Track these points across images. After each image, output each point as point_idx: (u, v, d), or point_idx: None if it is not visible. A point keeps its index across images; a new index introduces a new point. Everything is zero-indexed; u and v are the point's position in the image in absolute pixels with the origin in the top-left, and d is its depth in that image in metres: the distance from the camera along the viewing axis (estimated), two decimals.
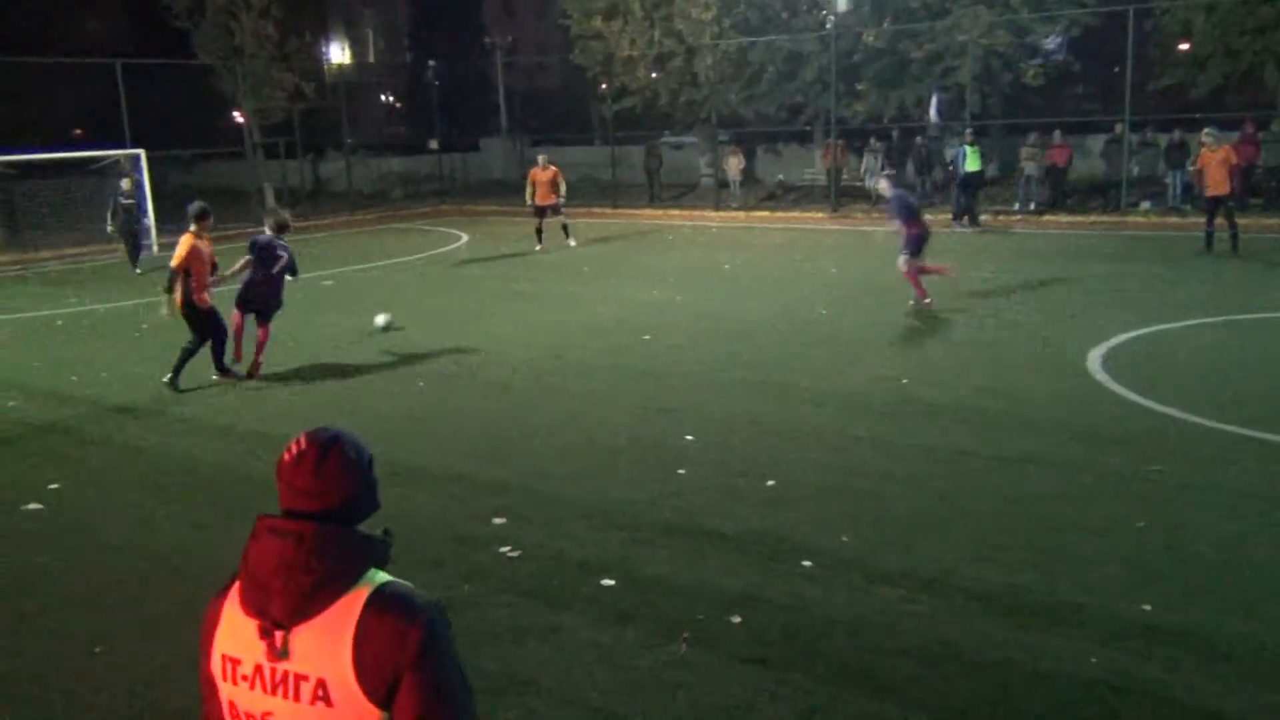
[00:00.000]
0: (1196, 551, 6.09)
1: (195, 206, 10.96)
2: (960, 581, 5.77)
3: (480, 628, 5.37)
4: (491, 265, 20.13)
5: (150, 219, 24.54)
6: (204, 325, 10.91)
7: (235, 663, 2.15)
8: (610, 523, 6.84)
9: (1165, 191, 25.13)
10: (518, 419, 9.39)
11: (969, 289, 15.30)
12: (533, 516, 6.99)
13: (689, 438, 8.60)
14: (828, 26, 28.65)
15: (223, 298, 11.47)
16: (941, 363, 10.84)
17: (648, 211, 30.70)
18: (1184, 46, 26.00)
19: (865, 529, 6.58)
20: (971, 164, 23.38)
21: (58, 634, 5.64)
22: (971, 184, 23.87)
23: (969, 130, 24.18)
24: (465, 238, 25.63)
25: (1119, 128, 25.49)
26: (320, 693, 2.07)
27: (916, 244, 13.68)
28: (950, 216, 24.47)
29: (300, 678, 2.08)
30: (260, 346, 11.57)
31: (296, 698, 2.09)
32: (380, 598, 2.10)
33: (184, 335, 11.01)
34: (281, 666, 2.10)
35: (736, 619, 5.42)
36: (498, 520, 6.93)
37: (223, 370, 11.17)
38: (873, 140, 29.61)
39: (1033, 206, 25.89)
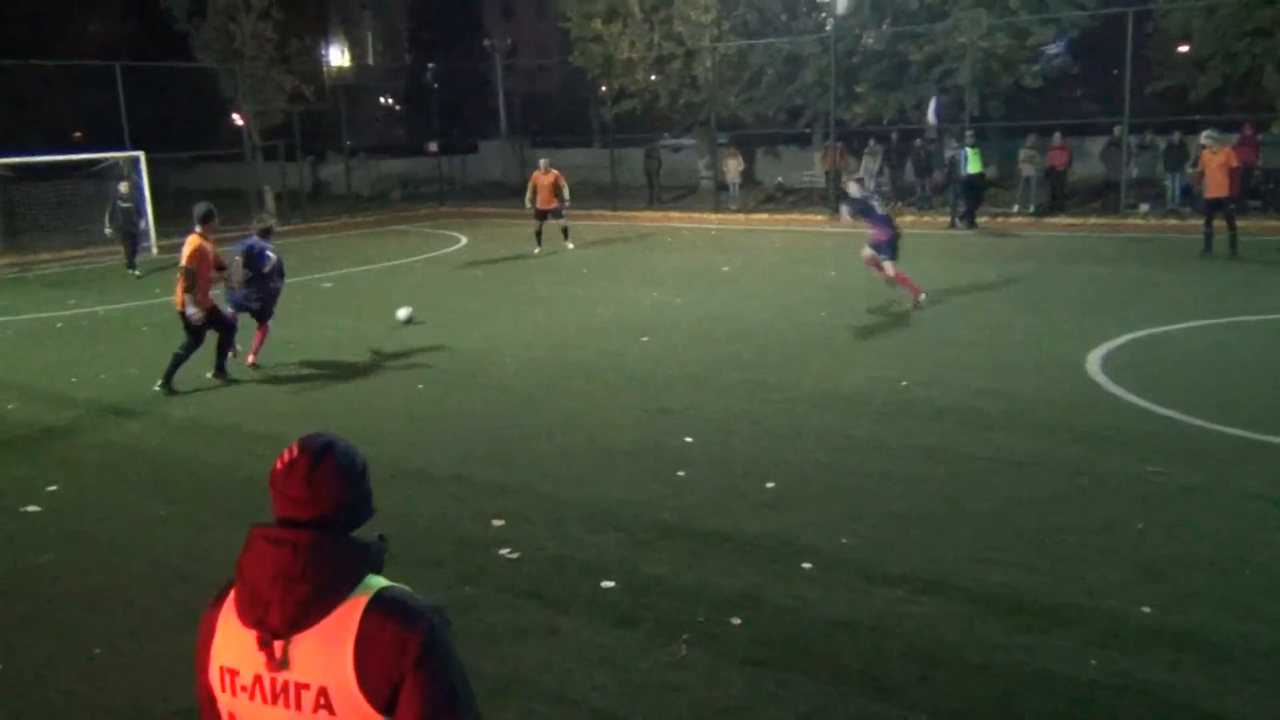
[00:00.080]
0: (1197, 553, 6.09)
1: (201, 208, 10.96)
2: (961, 582, 5.77)
3: (480, 629, 5.37)
4: (491, 267, 20.13)
5: (150, 221, 24.54)
6: (201, 328, 10.90)
7: (234, 674, 2.14)
8: (610, 524, 6.84)
9: (1164, 194, 25.14)
10: (517, 420, 9.39)
11: (969, 291, 15.31)
12: (533, 518, 6.99)
13: (689, 439, 8.59)
14: (827, 29, 28.66)
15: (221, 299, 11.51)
16: (941, 364, 10.84)
17: (647, 214, 30.70)
18: (1183, 49, 26.01)
19: (865, 530, 6.58)
20: (973, 166, 23.37)
21: (58, 635, 5.64)
22: (973, 186, 23.88)
23: (970, 132, 24.18)
24: (464, 240, 25.64)
25: (1118, 130, 25.50)
26: (322, 701, 2.07)
27: (892, 245, 14.02)
28: (949, 219, 24.50)
29: (301, 687, 2.08)
30: (258, 342, 11.73)
31: (298, 707, 2.08)
32: (379, 603, 2.09)
33: (183, 339, 10.98)
34: (282, 676, 2.09)
35: (737, 620, 5.42)
36: (497, 522, 6.93)
37: (221, 371, 11.16)
38: (872, 142, 29.63)
39: (1032, 209, 25.91)
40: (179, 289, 10.79)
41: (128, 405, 10.47)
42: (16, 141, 26.94)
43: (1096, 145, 27.50)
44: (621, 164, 33.24)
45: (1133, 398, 9.35)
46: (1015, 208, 26.10)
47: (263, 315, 11.68)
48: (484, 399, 10.26)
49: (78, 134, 37.69)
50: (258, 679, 2.11)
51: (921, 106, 27.26)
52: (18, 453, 9.09)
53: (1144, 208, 24.68)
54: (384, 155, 45.56)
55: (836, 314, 13.89)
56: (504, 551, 6.44)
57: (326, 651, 2.06)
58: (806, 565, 6.07)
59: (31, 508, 7.63)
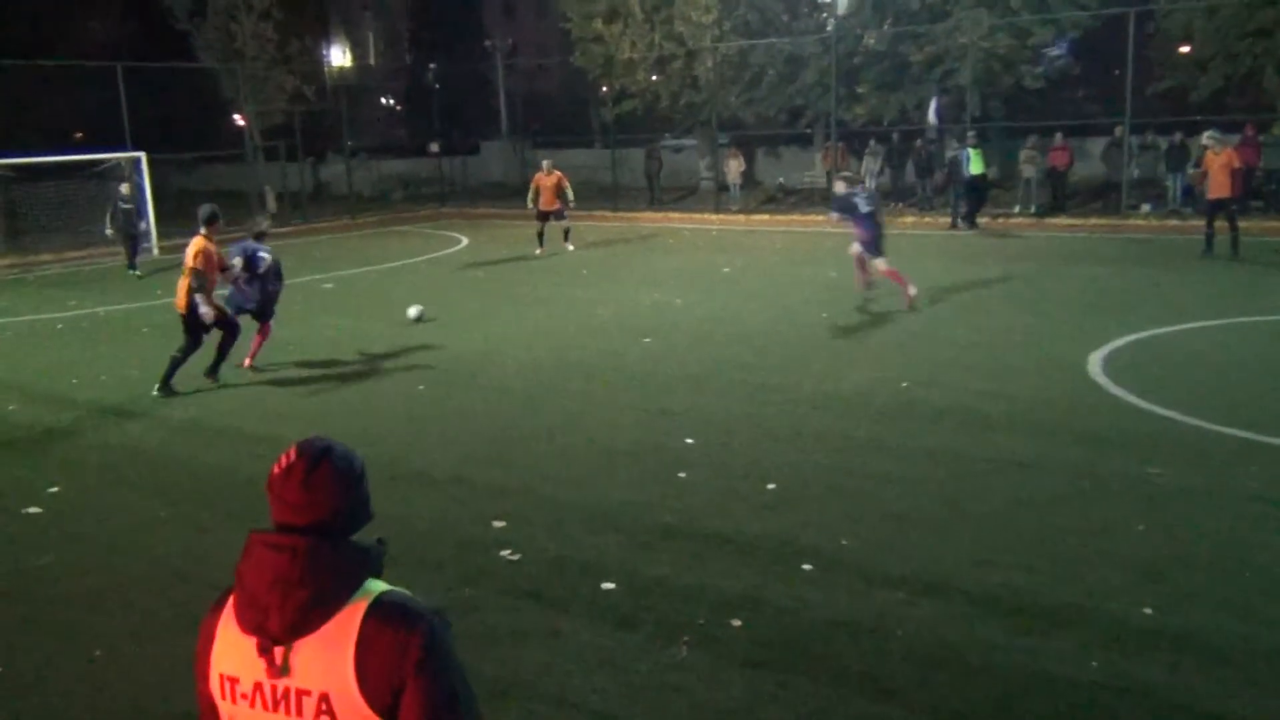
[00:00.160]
0: (1197, 554, 6.09)
1: (205, 210, 10.96)
2: (961, 584, 5.77)
3: (480, 631, 5.37)
4: (491, 268, 20.13)
5: (151, 222, 24.56)
6: (203, 330, 10.90)
7: (234, 681, 2.13)
8: (611, 526, 6.84)
9: (1165, 194, 25.14)
10: (518, 421, 9.39)
11: (970, 291, 15.31)
12: (533, 519, 6.99)
13: (689, 440, 8.59)
14: (828, 29, 28.67)
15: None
16: (942, 365, 10.84)
17: (648, 214, 30.72)
18: (1185, 49, 26.01)
19: (866, 531, 6.58)
20: (975, 167, 23.36)
21: (58, 637, 5.64)
22: (975, 187, 23.85)
23: (972, 133, 24.17)
24: (465, 240, 25.65)
25: (1119, 130, 25.50)
26: (324, 707, 2.07)
27: (875, 244, 14.12)
28: (950, 220, 24.50)
29: (302, 693, 2.07)
30: (257, 344, 11.79)
31: (299, 713, 2.08)
32: (379, 608, 2.09)
33: (182, 339, 10.98)
34: (282, 683, 2.08)
35: (737, 622, 5.41)
36: (498, 523, 6.93)
37: (213, 372, 11.11)
38: (873, 142, 29.63)
39: (1033, 209, 25.91)
40: (180, 291, 10.78)
41: (128, 406, 10.47)
42: (17, 142, 26.94)
43: (1098, 146, 27.50)
44: (622, 164, 33.26)
45: (1133, 399, 9.35)
46: (1016, 208, 26.09)
47: (262, 316, 11.71)
48: (484, 400, 10.26)
49: (79, 134, 37.70)
50: (258, 686, 2.10)
51: (922, 107, 27.29)
52: (18, 454, 9.09)
53: (1145, 208, 24.68)
54: (385, 156, 45.61)
55: (837, 315, 13.88)
56: (504, 553, 6.44)
57: (327, 657, 2.06)
58: (807, 566, 6.07)
59: (32, 509, 7.63)
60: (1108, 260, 18.24)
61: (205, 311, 10.68)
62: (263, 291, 11.52)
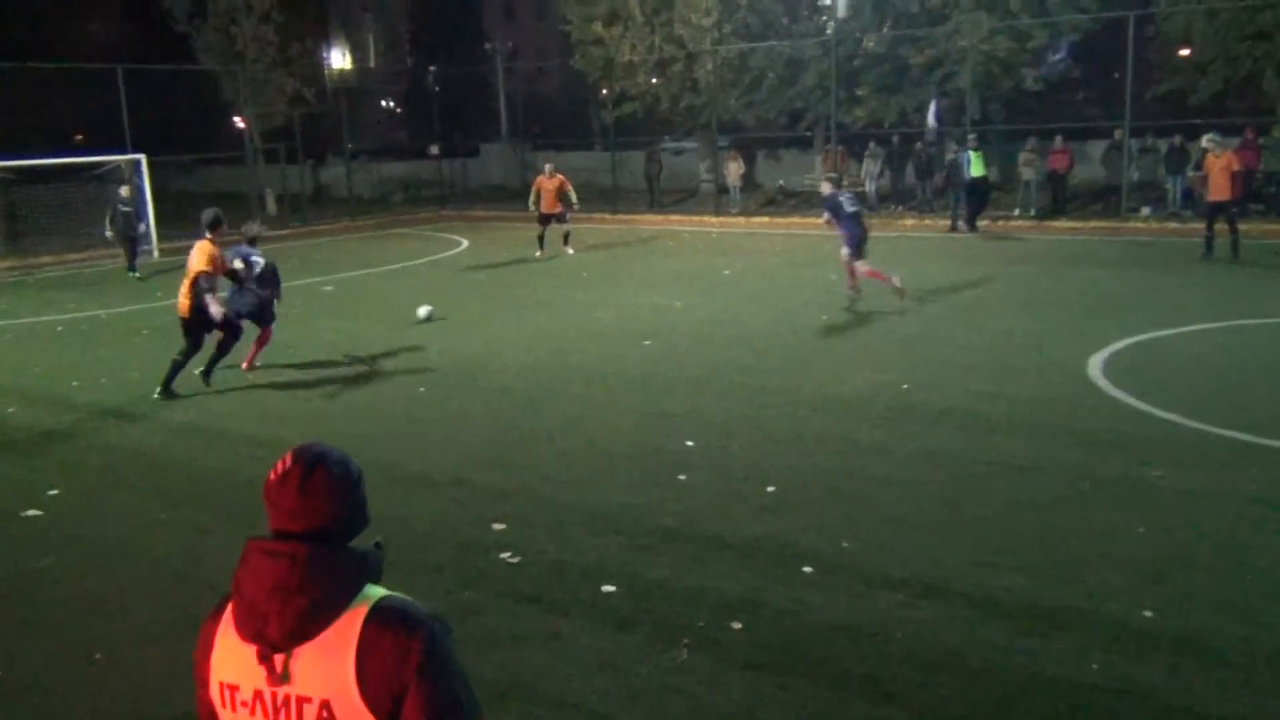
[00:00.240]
0: (1197, 556, 6.08)
1: (209, 215, 10.94)
2: (961, 587, 5.77)
3: (481, 634, 5.37)
4: (491, 270, 20.14)
5: (151, 224, 24.56)
6: (200, 331, 10.90)
7: (234, 689, 2.13)
8: (611, 528, 6.83)
9: (1165, 197, 25.15)
10: (518, 424, 9.39)
11: (970, 294, 15.32)
12: (533, 522, 6.99)
13: (689, 443, 8.59)
14: (828, 32, 28.68)
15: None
16: (942, 368, 10.84)
17: (648, 217, 30.73)
18: (1184, 52, 26.02)
19: (866, 534, 6.58)
20: (976, 169, 23.35)
21: (57, 640, 5.64)
22: (976, 189, 23.84)
23: (973, 136, 24.17)
24: (465, 243, 25.66)
25: (1119, 133, 25.50)
26: (325, 714, 2.06)
27: (857, 244, 14.38)
28: (950, 222, 24.51)
29: (303, 700, 2.07)
30: (256, 348, 11.83)
31: None
32: (379, 613, 2.08)
33: (182, 342, 10.97)
34: (283, 690, 2.08)
35: (737, 625, 5.41)
36: (498, 526, 6.93)
37: (208, 374, 11.08)
38: (872, 145, 29.65)
39: (1033, 212, 25.92)
40: (183, 295, 10.77)
41: (129, 409, 10.47)
42: (17, 144, 26.95)
43: (1097, 149, 27.51)
44: (622, 167, 33.27)
45: (1134, 401, 9.35)
46: (1016, 211, 26.10)
47: (261, 320, 11.73)
48: (485, 402, 10.26)
49: (79, 137, 37.73)
50: (258, 694, 2.10)
51: (922, 110, 27.30)
52: (18, 456, 9.09)
53: (1145, 211, 24.70)
54: (385, 158, 45.64)
55: (837, 318, 13.89)
56: (504, 555, 6.43)
57: (327, 664, 2.05)
58: (807, 569, 6.07)
59: (32, 511, 7.63)
60: (1108, 263, 18.24)
61: (217, 311, 10.72)
62: (258, 295, 11.55)
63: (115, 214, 20.68)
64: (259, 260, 11.54)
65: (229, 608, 2.16)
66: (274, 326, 11.96)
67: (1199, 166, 19.37)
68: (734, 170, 31.12)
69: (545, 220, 21.49)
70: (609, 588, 5.91)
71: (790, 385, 10.39)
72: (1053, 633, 5.22)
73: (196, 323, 10.79)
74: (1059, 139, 25.99)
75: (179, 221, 27.70)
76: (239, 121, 34.03)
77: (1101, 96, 31.40)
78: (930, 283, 16.40)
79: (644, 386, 10.59)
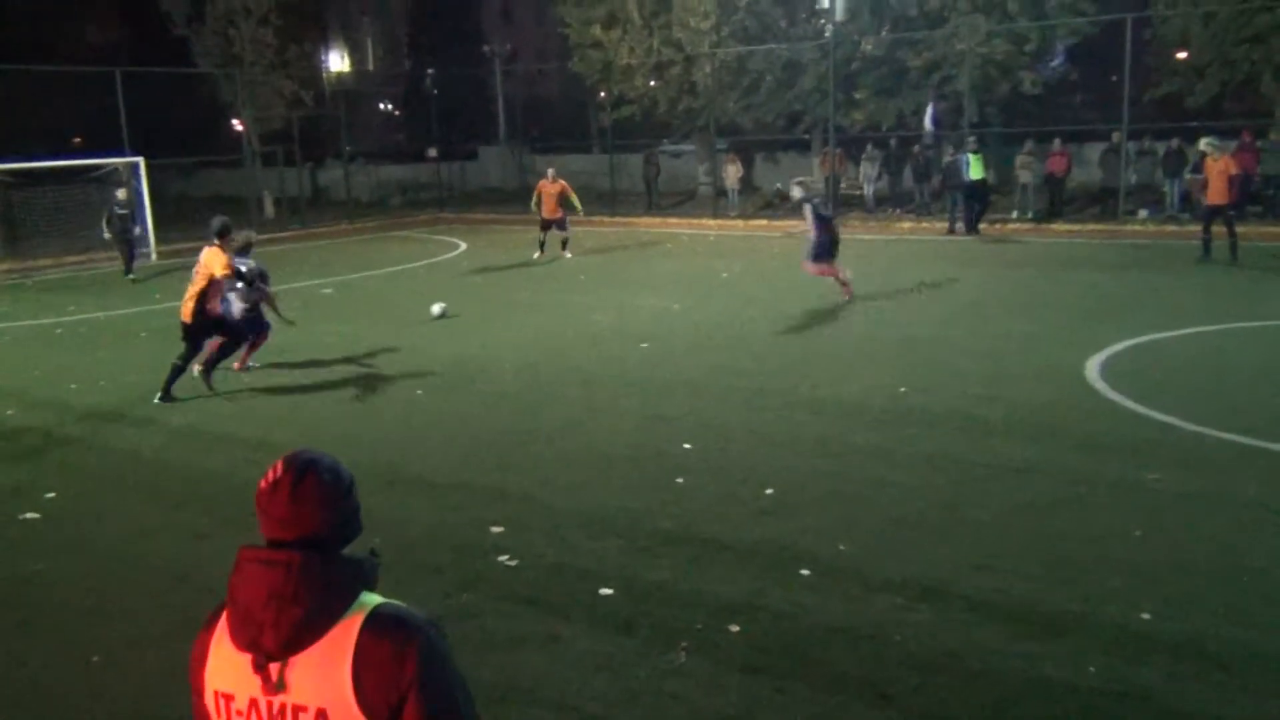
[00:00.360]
0: (1195, 559, 6.09)
1: (217, 222, 10.92)
2: (959, 590, 5.77)
3: (479, 637, 5.37)
4: (490, 273, 20.14)
5: (149, 227, 24.56)
6: (201, 336, 10.90)
7: (229, 698, 2.12)
8: (609, 531, 6.84)
9: (1163, 200, 25.18)
10: (516, 427, 9.39)
11: (968, 297, 15.33)
12: (531, 525, 6.99)
13: (687, 446, 8.59)
14: (826, 35, 28.70)
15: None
16: (940, 371, 10.84)
17: (646, 220, 30.73)
18: (1182, 55, 26.06)
19: (863, 537, 6.58)
20: (975, 172, 23.35)
21: (55, 643, 5.63)
22: (975, 192, 23.85)
23: (972, 139, 24.20)
24: (463, 246, 25.65)
25: (1117, 136, 25.54)
26: None
27: (824, 248, 14.90)
28: (947, 225, 24.53)
29: (299, 709, 2.06)
30: (251, 346, 11.86)
31: None
32: (375, 621, 2.07)
33: (181, 345, 10.96)
34: (279, 699, 2.07)
35: (735, 628, 5.41)
36: (496, 529, 6.93)
37: (208, 372, 11.04)
38: (869, 147, 29.67)
39: (1030, 215, 25.94)
40: (188, 300, 10.75)
41: (127, 412, 10.47)
42: (16, 147, 26.95)
43: (1095, 151, 27.52)
44: (620, 170, 33.28)
45: (1131, 404, 9.36)
46: (1014, 214, 26.12)
47: (255, 325, 11.76)
48: (483, 405, 10.26)
49: (77, 139, 37.71)
50: (253, 703, 2.09)
51: (920, 112, 27.32)
52: (16, 459, 9.09)
53: (1143, 214, 24.72)
54: (383, 161, 45.68)
55: (835, 320, 13.90)
56: (503, 558, 6.44)
57: (323, 672, 2.04)
58: (805, 572, 6.07)
59: (30, 515, 7.63)
60: (1106, 266, 18.26)
61: (241, 307, 11.00)
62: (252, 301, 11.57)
63: (112, 216, 20.68)
64: (248, 264, 11.53)
65: (223, 616, 2.15)
66: (269, 333, 11.97)
67: (1197, 169, 19.37)
68: (732, 173, 31.12)
69: (546, 225, 21.56)
70: (607, 590, 5.91)
71: (788, 388, 10.39)
72: (1050, 636, 5.23)
73: (199, 328, 10.79)
74: (1057, 142, 26.02)
75: (178, 224, 27.76)
76: (237, 124, 34.03)
77: (1099, 99, 31.47)
78: (928, 286, 16.42)
79: (642, 389, 10.59)
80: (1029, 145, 26.46)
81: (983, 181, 23.82)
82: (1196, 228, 19.11)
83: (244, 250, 11.71)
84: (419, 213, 35.28)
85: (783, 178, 33.62)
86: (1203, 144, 17.98)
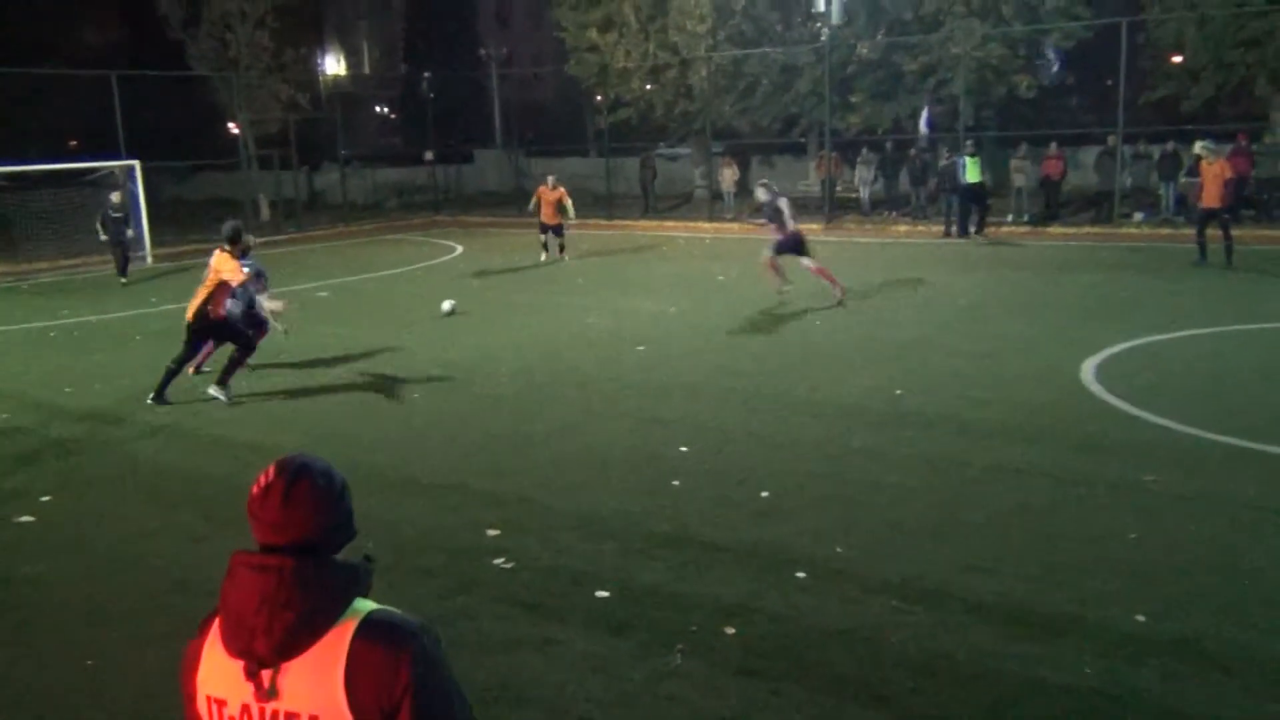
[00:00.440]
0: (1191, 561, 6.09)
1: (229, 228, 10.90)
2: (955, 591, 5.77)
3: (474, 639, 5.36)
4: (486, 276, 20.14)
5: (145, 230, 24.52)
6: (201, 338, 10.88)
7: (221, 704, 2.11)
8: (604, 534, 6.83)
9: (1158, 203, 25.22)
10: (512, 430, 9.38)
11: (963, 299, 15.35)
12: (527, 527, 6.98)
13: (683, 448, 8.59)
14: (822, 39, 28.75)
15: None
16: (936, 374, 10.85)
17: (642, 223, 30.74)
18: (1177, 59, 26.13)
19: (860, 539, 6.58)
20: (971, 175, 23.38)
21: (51, 647, 5.61)
22: (972, 195, 23.87)
23: (969, 142, 24.24)
24: (460, 249, 25.64)
25: (1112, 139, 25.59)
26: None
27: (784, 246, 15.28)
28: (942, 229, 24.55)
29: (292, 715, 2.05)
30: (210, 351, 11.81)
31: None
32: (368, 627, 2.06)
33: (179, 348, 10.93)
34: (270, 706, 2.06)
35: (731, 630, 5.41)
36: (492, 531, 6.92)
37: (224, 382, 10.99)
38: (865, 151, 29.71)
39: (1026, 218, 25.97)
40: (197, 299, 10.72)
41: (122, 415, 10.44)
42: (11, 150, 26.92)
43: (1090, 155, 27.59)
44: (617, 173, 33.30)
45: (1128, 406, 9.36)
46: (1009, 217, 26.16)
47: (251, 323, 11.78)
48: (479, 408, 10.26)
49: (73, 142, 37.69)
50: (245, 709, 2.08)
51: (916, 116, 27.38)
52: (11, 462, 9.06)
53: (1138, 217, 24.76)
54: (379, 164, 45.66)
55: (831, 323, 13.90)
56: (498, 561, 6.43)
57: (316, 679, 2.03)
58: (801, 574, 6.07)
59: (25, 518, 7.61)
60: (1101, 268, 18.28)
61: (276, 306, 11.08)
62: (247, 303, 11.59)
63: (106, 219, 20.66)
64: (251, 264, 11.57)
65: (215, 622, 2.14)
66: (268, 328, 11.97)
67: (1192, 173, 19.40)
68: (728, 176, 31.16)
69: (545, 229, 21.66)
70: (603, 593, 5.90)
71: (784, 390, 10.39)
72: (1048, 637, 5.23)
73: (200, 329, 10.77)
74: (1053, 145, 26.06)
75: (174, 227, 27.75)
76: (233, 128, 34.03)
77: (1094, 103, 31.55)
78: (924, 288, 16.43)
79: (638, 392, 10.59)
80: (1023, 149, 26.51)
81: (980, 184, 23.84)
82: (1191, 231, 19.13)
83: (243, 253, 11.71)
84: (415, 216, 35.27)
85: (779, 181, 33.66)
86: (1198, 147, 18.01)
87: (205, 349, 11.52)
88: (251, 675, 2.05)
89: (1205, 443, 8.29)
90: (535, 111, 51.88)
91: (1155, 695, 4.69)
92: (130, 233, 21.51)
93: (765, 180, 16.80)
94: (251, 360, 11.89)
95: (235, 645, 2.07)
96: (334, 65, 66.79)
